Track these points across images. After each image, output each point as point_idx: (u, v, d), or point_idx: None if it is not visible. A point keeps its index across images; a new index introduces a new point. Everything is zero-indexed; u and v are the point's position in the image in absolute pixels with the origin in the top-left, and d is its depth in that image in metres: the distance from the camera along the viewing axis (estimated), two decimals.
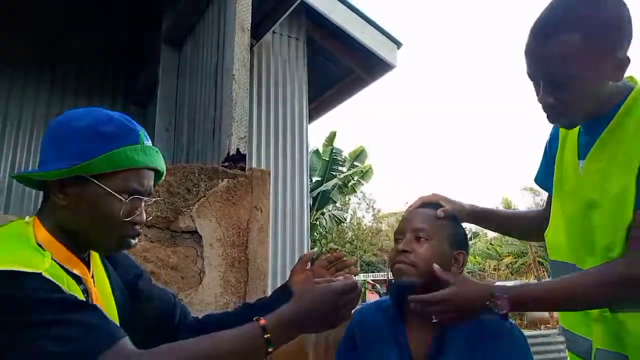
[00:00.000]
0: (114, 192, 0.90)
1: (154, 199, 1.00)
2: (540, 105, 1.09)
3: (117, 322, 0.96)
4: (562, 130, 1.23)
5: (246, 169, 2.01)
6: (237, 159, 2.00)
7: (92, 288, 0.94)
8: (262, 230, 1.89)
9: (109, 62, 5.04)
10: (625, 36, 1.00)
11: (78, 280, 0.91)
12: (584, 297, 1.03)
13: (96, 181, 0.89)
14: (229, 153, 2.01)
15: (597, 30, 0.97)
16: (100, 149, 0.89)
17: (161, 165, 0.99)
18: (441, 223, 1.23)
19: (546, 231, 1.25)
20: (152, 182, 0.98)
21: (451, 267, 1.20)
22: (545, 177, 1.30)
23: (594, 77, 1.01)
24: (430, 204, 1.29)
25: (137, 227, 0.96)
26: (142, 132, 0.96)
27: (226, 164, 2.00)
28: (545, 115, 1.10)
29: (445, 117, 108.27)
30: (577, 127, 1.18)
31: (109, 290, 1.01)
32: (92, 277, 0.97)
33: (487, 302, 1.04)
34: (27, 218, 0.92)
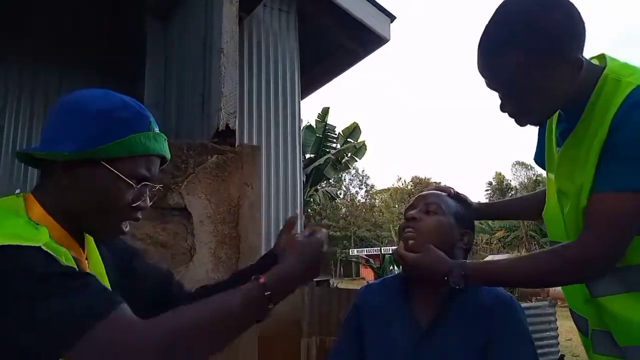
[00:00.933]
0: (125, 177, 0.89)
1: (157, 186, 0.99)
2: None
3: None
4: None
5: (236, 144, 1.98)
6: (227, 135, 1.97)
7: (86, 269, 0.93)
8: (253, 207, 1.87)
9: (96, 35, 4.92)
10: (578, 39, 1.00)
11: (73, 260, 0.90)
12: (534, 277, 1.08)
13: (108, 165, 0.88)
14: (218, 129, 1.97)
15: (539, 43, 0.97)
16: (115, 135, 0.89)
17: (168, 152, 0.99)
18: (451, 201, 1.30)
19: (543, 211, 1.26)
20: (158, 166, 0.98)
21: (457, 242, 1.25)
22: (541, 157, 1.30)
23: (547, 83, 1.01)
24: (443, 191, 1.35)
25: (139, 213, 0.95)
26: (152, 119, 0.96)
27: (215, 139, 1.97)
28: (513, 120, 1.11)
29: (438, 91, 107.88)
30: (557, 114, 1.18)
31: (103, 271, 0.99)
32: (86, 258, 0.96)
33: (445, 277, 1.10)
34: (17, 191, 0.90)
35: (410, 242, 1.21)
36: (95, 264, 0.98)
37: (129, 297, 1.02)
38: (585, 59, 1.05)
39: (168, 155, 1.00)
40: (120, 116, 0.90)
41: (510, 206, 1.51)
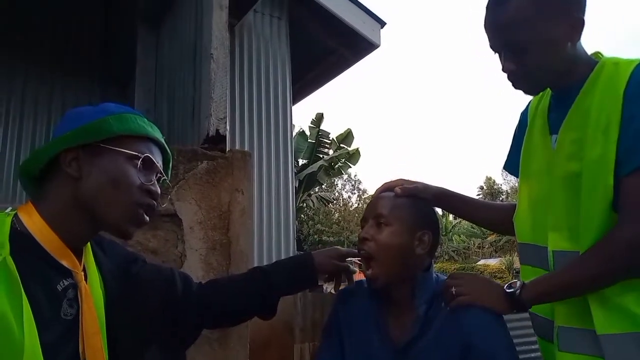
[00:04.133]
0: (127, 151, 0.92)
1: (165, 178, 1.02)
2: (505, 76, 1.13)
3: (104, 317, 0.96)
4: (530, 113, 1.26)
5: (227, 150, 1.97)
6: (217, 140, 1.96)
7: (81, 282, 0.92)
8: (244, 212, 1.86)
9: (86, 42, 4.89)
10: (576, 1, 1.06)
11: (66, 273, 0.89)
12: (594, 270, 1.01)
13: (109, 146, 0.91)
14: (208, 134, 1.97)
15: None
16: (108, 112, 0.94)
17: (165, 144, 1.03)
18: (401, 205, 1.22)
19: (514, 215, 1.26)
20: (161, 162, 1.01)
21: (415, 248, 1.19)
22: (513, 164, 1.31)
23: (549, 39, 1.05)
24: (394, 187, 1.28)
25: (152, 199, 0.96)
26: (145, 117, 1.01)
27: (206, 145, 1.96)
28: (510, 83, 1.13)
29: (430, 97, 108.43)
30: (546, 105, 1.19)
31: (98, 284, 0.98)
32: (84, 270, 0.95)
33: (505, 291, 1.11)
34: (8, 209, 0.90)
35: (369, 271, 1.18)
36: (91, 275, 0.98)
37: (132, 304, 1.02)
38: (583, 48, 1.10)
39: (167, 147, 1.03)
40: (111, 108, 0.96)
41: (469, 204, 1.42)
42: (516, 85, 1.13)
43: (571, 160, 1.08)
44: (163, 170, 1.01)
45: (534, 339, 1.24)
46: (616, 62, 1.07)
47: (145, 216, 0.96)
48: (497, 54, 1.13)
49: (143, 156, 0.93)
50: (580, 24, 1.05)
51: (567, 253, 1.08)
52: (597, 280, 1.02)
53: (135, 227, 0.97)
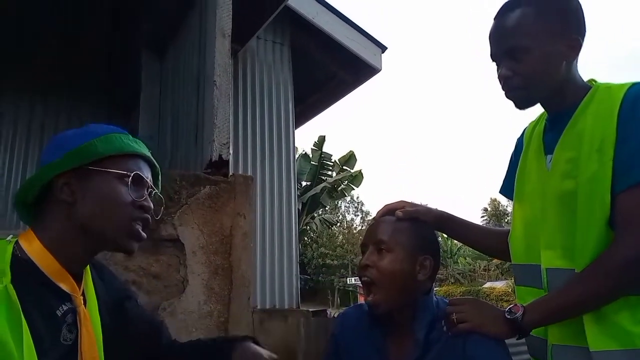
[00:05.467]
0: (116, 171, 0.94)
1: (156, 191, 1.03)
2: (500, 86, 1.17)
3: (102, 342, 0.96)
4: (526, 138, 1.28)
5: (229, 175, 1.99)
6: (220, 165, 1.99)
7: (80, 306, 0.93)
8: (245, 237, 1.87)
9: (91, 69, 4.98)
10: (577, 22, 1.12)
11: (65, 297, 0.91)
12: (590, 290, 1.02)
13: (98, 167, 0.93)
14: (211, 159, 1.99)
15: (549, 9, 1.11)
16: (94, 135, 0.96)
17: (152, 158, 1.04)
18: (402, 230, 1.21)
19: (508, 237, 1.27)
20: (151, 176, 1.02)
21: (417, 274, 1.18)
22: (509, 187, 1.32)
23: (546, 51, 1.10)
24: (394, 211, 1.28)
25: (146, 214, 0.98)
26: (129, 134, 1.03)
27: (209, 170, 1.98)
28: (503, 92, 1.17)
29: (432, 119, 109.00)
30: (542, 128, 1.21)
31: (96, 309, 0.99)
32: (83, 294, 0.96)
33: (506, 315, 1.10)
34: (9, 237, 0.92)
35: (371, 297, 1.17)
36: (90, 300, 0.99)
37: (120, 339, 1.02)
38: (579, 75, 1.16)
39: (155, 162, 1.05)
40: (95, 128, 0.99)
41: (470, 229, 1.42)
42: (509, 94, 1.16)
43: (566, 179, 1.09)
44: (153, 183, 1.03)
45: None
46: (608, 87, 1.11)
47: (142, 232, 0.98)
48: (495, 64, 1.18)
49: (132, 174, 0.95)
50: (578, 45, 1.11)
51: (560, 271, 1.09)
52: (596, 299, 1.02)
53: (135, 241, 0.98)
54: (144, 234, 0.98)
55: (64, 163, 0.92)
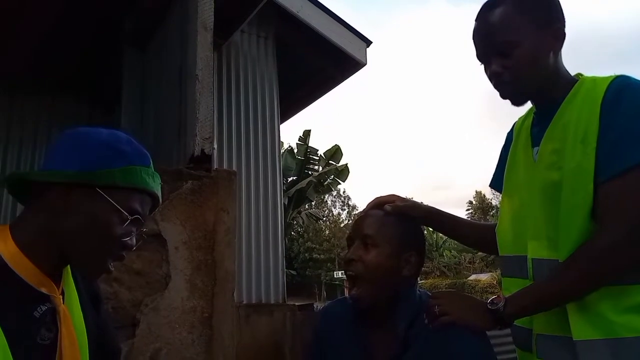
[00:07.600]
0: (119, 207, 0.90)
1: (144, 229, 1.00)
2: (492, 85, 1.18)
3: (85, 337, 0.95)
4: (515, 131, 1.30)
5: (212, 169, 1.98)
6: (202, 160, 1.97)
7: (60, 306, 0.91)
8: (229, 232, 1.86)
9: (73, 64, 4.90)
10: (558, 12, 1.15)
11: (44, 298, 0.89)
12: (574, 278, 1.03)
13: (104, 193, 0.89)
14: (193, 154, 1.98)
15: (530, 2, 1.13)
16: (115, 162, 0.91)
17: (160, 195, 1.01)
18: (389, 225, 1.22)
19: (496, 228, 1.28)
20: (149, 209, 0.99)
21: (402, 270, 1.19)
22: (499, 181, 1.33)
23: (533, 44, 1.11)
24: (384, 204, 1.28)
25: (124, 250, 0.94)
26: (152, 161, 0.99)
27: (191, 165, 1.97)
28: (497, 91, 1.18)
29: (417, 112, 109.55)
30: (530, 122, 1.22)
31: (79, 307, 0.98)
32: (62, 293, 0.94)
33: (487, 306, 1.11)
34: None
35: (355, 291, 1.18)
36: (72, 297, 0.97)
37: (98, 337, 1.01)
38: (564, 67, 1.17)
39: (160, 198, 1.01)
40: (123, 148, 0.94)
41: (457, 224, 1.43)
42: (502, 91, 1.17)
43: (551, 170, 1.11)
44: (152, 207, 1.01)
45: (515, 355, 1.24)
46: (594, 79, 1.13)
47: (111, 267, 0.95)
48: (482, 65, 1.18)
49: (132, 217, 0.92)
50: (562, 34, 1.13)
51: (545, 261, 1.10)
52: (579, 286, 1.03)
53: (100, 274, 0.97)
54: (111, 269, 0.95)
55: (77, 177, 0.88)
